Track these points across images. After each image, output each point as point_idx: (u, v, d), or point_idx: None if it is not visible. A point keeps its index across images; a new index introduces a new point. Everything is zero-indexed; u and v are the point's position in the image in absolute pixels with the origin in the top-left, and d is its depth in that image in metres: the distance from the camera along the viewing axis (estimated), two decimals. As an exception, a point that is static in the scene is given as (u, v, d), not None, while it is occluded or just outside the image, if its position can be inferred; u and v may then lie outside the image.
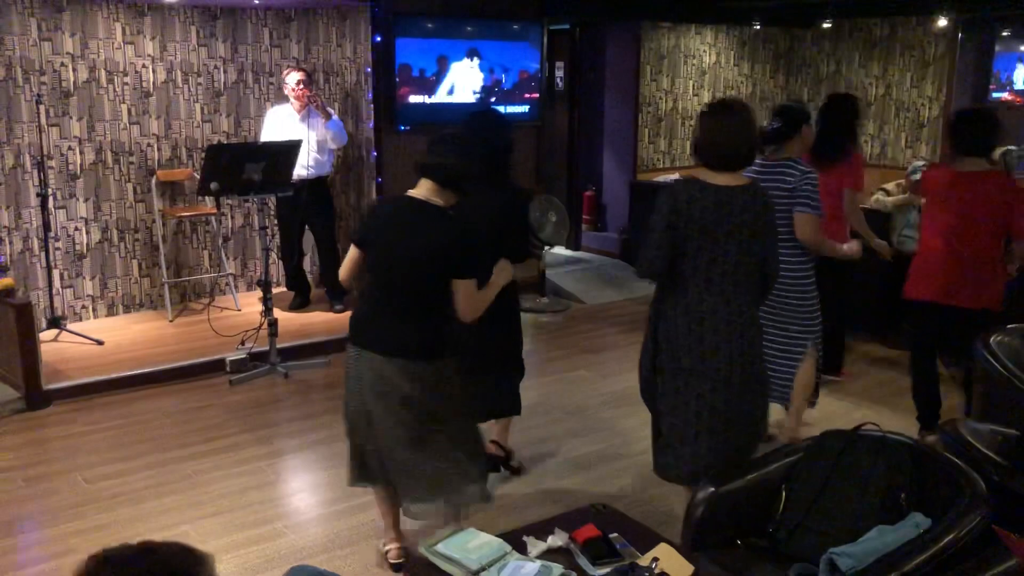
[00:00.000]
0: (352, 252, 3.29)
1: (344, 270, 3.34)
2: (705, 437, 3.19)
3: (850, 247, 4.35)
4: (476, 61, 6.83)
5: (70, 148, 6.10)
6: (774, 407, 4.09)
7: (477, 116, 4.11)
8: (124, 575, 1.48)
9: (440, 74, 6.69)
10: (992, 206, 4.24)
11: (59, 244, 6.15)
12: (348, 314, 6.79)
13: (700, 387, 3.17)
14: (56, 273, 6.11)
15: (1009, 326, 4.04)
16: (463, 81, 6.79)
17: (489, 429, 4.10)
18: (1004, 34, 9.25)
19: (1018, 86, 9.50)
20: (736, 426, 3.22)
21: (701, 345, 3.15)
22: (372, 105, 6.49)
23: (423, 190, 3.14)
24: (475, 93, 6.87)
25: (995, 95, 9.43)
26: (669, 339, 3.21)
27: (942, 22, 8.02)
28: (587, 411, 5.12)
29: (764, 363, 3.33)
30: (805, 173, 3.99)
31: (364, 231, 3.30)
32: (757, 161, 4.11)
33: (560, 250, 7.14)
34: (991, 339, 3.92)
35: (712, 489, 2.84)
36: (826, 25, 8.91)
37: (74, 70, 6.03)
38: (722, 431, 3.19)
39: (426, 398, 3.15)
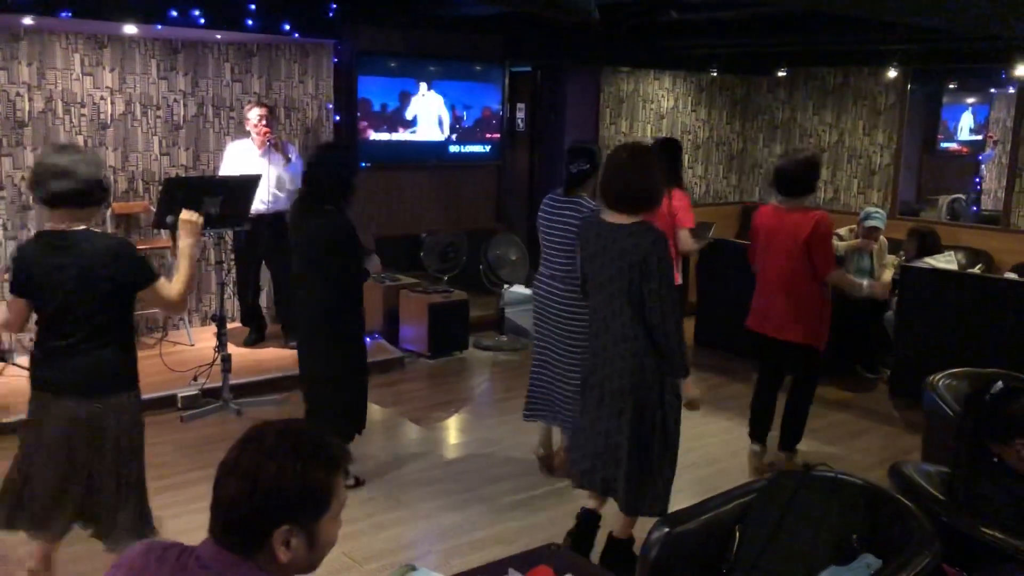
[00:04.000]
0: None
1: None
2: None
3: None
4: (433, 93, 6.85)
5: (23, 178, 6.00)
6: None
7: (323, 149, 4.57)
8: (284, 440, 1.62)
9: (402, 109, 6.72)
10: (800, 245, 4.47)
11: (8, 276, 6.01)
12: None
13: (587, 400, 3.54)
14: (2, 305, 5.97)
15: (955, 370, 4.12)
16: (424, 114, 6.82)
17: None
18: (951, 86, 9.58)
19: (963, 136, 9.81)
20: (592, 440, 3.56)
21: (595, 359, 3.48)
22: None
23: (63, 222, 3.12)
24: (439, 128, 6.91)
25: (943, 145, 9.73)
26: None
27: (892, 73, 8.29)
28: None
29: (644, 391, 3.39)
30: (594, 210, 4.08)
31: None
32: (550, 196, 4.39)
33: (519, 288, 7.14)
34: (939, 382, 3.99)
35: (666, 530, 2.83)
36: (781, 73, 9.15)
37: (30, 100, 5.96)
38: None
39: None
